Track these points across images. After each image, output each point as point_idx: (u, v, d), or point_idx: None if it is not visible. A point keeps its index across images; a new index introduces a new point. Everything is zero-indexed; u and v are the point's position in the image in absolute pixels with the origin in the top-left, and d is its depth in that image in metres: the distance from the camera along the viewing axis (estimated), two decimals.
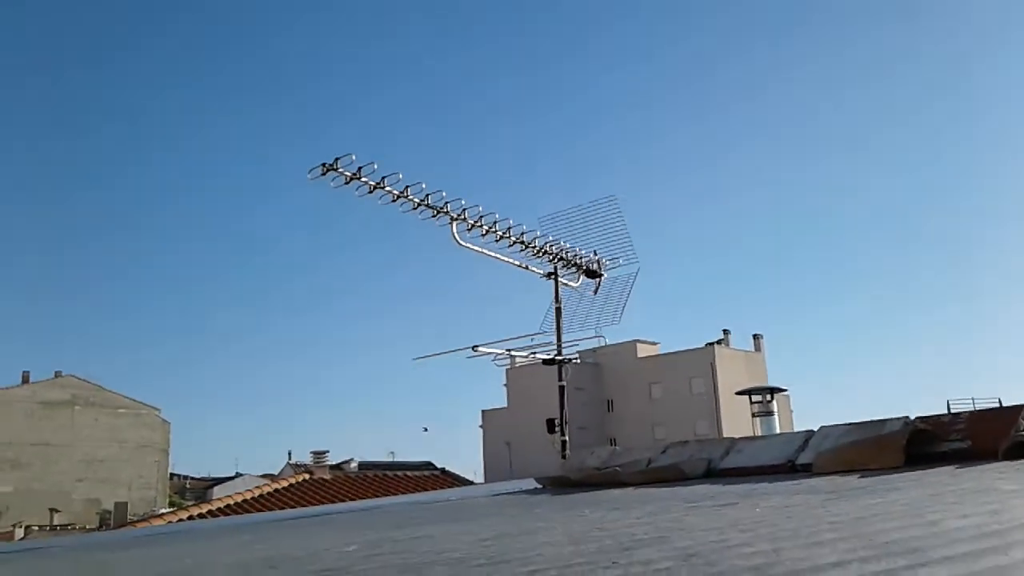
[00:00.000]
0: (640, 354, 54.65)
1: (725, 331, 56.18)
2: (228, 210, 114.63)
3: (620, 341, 46.73)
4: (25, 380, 54.55)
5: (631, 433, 49.03)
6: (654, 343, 56.55)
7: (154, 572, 3.62)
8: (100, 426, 54.21)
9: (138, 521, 25.55)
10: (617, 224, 10.73)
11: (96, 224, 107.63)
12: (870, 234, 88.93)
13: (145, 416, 56.65)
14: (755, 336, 57.51)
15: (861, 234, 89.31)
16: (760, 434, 17.57)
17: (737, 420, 40.61)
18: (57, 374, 55.19)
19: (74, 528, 40.41)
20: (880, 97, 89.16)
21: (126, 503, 41.21)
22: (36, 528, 40.44)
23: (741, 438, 7.05)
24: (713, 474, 6.24)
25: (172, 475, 64.89)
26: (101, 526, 38.14)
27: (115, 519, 37.26)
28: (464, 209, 9.34)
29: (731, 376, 49.14)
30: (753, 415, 22.28)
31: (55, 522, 44.56)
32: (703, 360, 52.36)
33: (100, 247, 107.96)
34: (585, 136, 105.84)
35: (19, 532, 38.57)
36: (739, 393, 26.07)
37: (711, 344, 53.84)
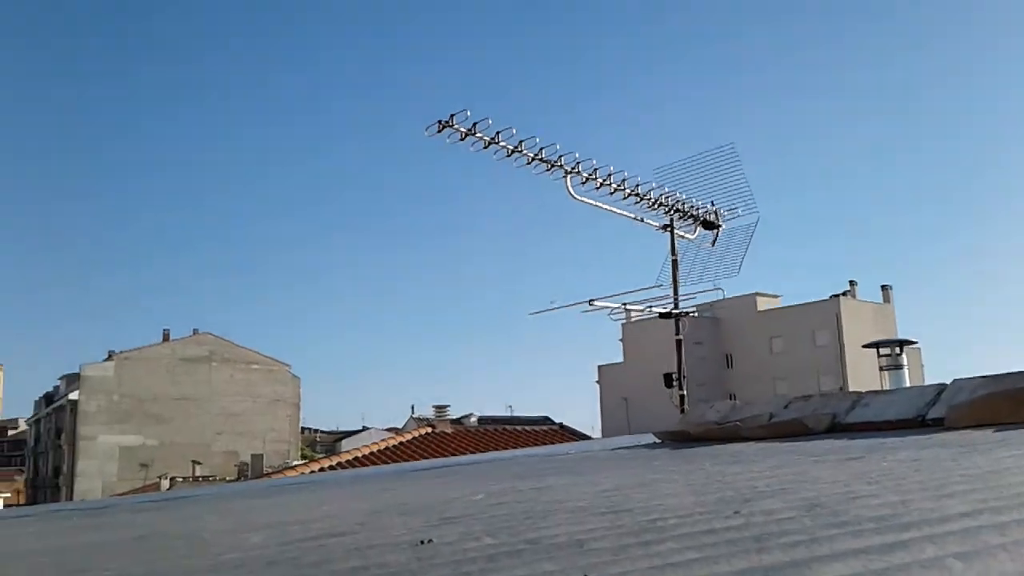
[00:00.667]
0: (760, 307, 53.39)
1: (852, 282, 54.19)
2: (347, 173, 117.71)
3: (739, 294, 45.79)
4: (166, 338, 58.01)
5: (751, 388, 48.16)
6: (775, 296, 55.14)
7: (294, 518, 3.85)
8: (235, 382, 57.21)
9: (273, 472, 26.93)
10: (735, 173, 10.48)
11: (224, 184, 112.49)
12: (1014, 175, 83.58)
13: (277, 372, 59.40)
14: (884, 287, 55.27)
15: (1003, 175, 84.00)
16: (889, 388, 16.99)
17: (864, 374, 39.26)
18: (195, 332, 58.43)
19: (214, 479, 43.01)
20: None
21: (262, 455, 43.51)
22: (180, 479, 43.25)
23: (868, 392, 6.85)
24: (838, 429, 6.10)
25: (303, 429, 67.97)
26: (239, 477, 40.44)
27: (252, 470, 39.42)
28: (578, 162, 9.31)
29: (858, 329, 47.49)
30: (881, 369, 21.47)
31: (196, 473, 47.54)
32: (827, 312, 50.76)
33: (232, 207, 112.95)
34: (703, 87, 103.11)
35: (164, 483, 41.36)
36: (866, 346, 25.15)
37: (836, 296, 52.07)
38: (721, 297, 11.17)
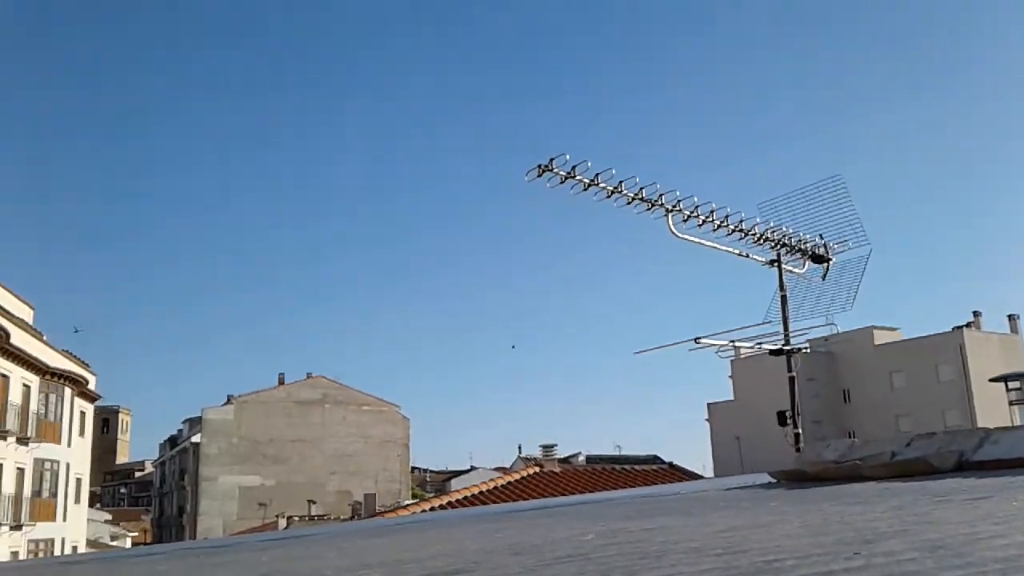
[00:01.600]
0: (877, 340, 51.37)
1: (975, 313, 51.65)
2: (448, 213, 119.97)
3: (854, 328, 44.27)
4: (281, 382, 60.04)
5: (870, 425, 46.23)
6: (893, 328, 52.98)
7: (409, 556, 3.94)
8: (347, 423, 58.55)
9: (386, 511, 27.32)
10: (844, 205, 10.24)
11: (341, 244, 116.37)
12: None
13: (387, 413, 60.51)
14: (1011, 317, 52.46)
15: None
16: (1019, 423, 16.05)
17: (992, 409, 37.16)
18: (308, 375, 60.25)
19: (329, 518, 43.95)
20: None
21: (374, 494, 44.24)
22: (296, 518, 44.37)
23: (997, 428, 6.52)
24: (965, 467, 5.82)
25: (413, 468, 68.84)
26: (353, 516, 41.19)
27: (365, 509, 40.10)
28: (679, 200, 9.27)
29: (984, 362, 45.09)
30: (1010, 403, 20.35)
31: (312, 512, 48.67)
32: (951, 345, 48.43)
33: (352, 262, 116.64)
34: (812, 121, 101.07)
35: (282, 522, 42.51)
36: (993, 380, 23.90)
37: (959, 327, 49.65)
38: (835, 332, 10.87)
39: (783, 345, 9.90)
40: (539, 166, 8.58)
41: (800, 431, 9.64)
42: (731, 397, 51.78)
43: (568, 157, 8.60)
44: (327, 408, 58.42)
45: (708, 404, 54.97)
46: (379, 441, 59.14)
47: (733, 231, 9.71)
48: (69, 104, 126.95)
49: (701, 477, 26.79)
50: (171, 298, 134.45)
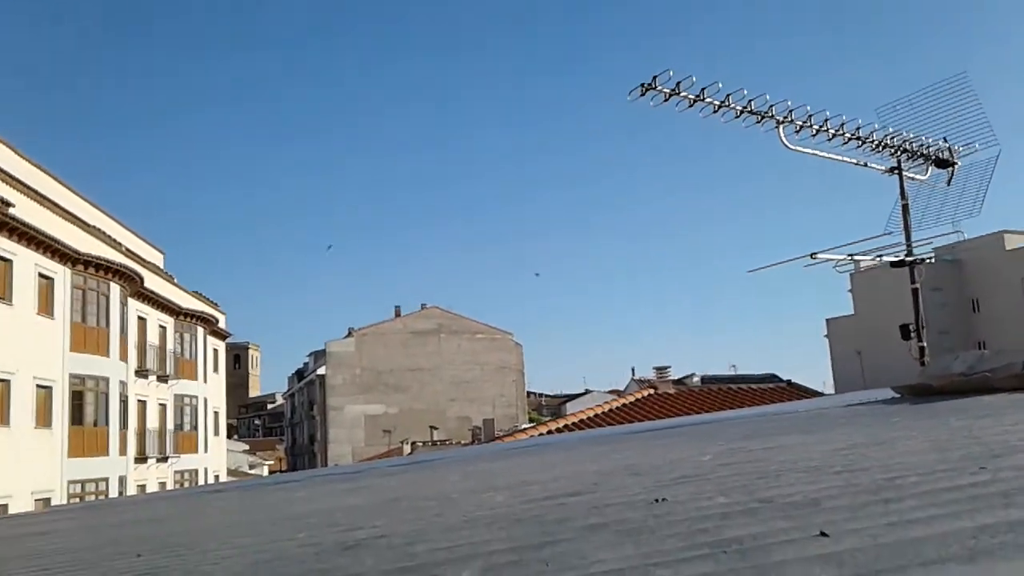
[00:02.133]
0: (1009, 245, 48.56)
1: None
2: (540, 139, 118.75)
3: (983, 234, 42.00)
4: (397, 314, 61.77)
5: (1002, 335, 44.12)
6: None
7: (531, 479, 4.07)
8: (463, 351, 59.93)
9: (504, 436, 28.03)
10: (970, 105, 9.61)
11: (443, 166, 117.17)
12: None
13: (500, 340, 61.58)
14: None
15: None
16: None
17: None
18: (423, 306, 61.75)
19: (450, 443, 45.44)
20: None
21: (492, 419, 45.39)
22: (420, 444, 46.07)
23: None
24: None
25: (528, 393, 70.12)
26: (473, 440, 42.47)
27: (484, 434, 41.26)
28: (791, 111, 8.91)
29: None
30: None
31: (434, 438, 50.43)
32: None
33: (453, 193, 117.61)
34: (935, 15, 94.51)
35: (406, 448, 44.23)
36: None
37: None
38: (962, 239, 10.40)
39: (905, 256, 9.51)
40: (642, 84, 8.37)
41: (925, 344, 9.32)
42: (851, 312, 50.23)
43: (672, 73, 8.37)
44: (443, 337, 59.86)
45: (827, 320, 53.49)
46: (494, 367, 60.37)
47: (849, 139, 9.30)
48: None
49: (821, 395, 26.31)
50: (292, 240, 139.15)
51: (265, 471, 61.68)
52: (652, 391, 26.03)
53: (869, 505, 1.89)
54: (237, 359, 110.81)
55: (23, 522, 7.83)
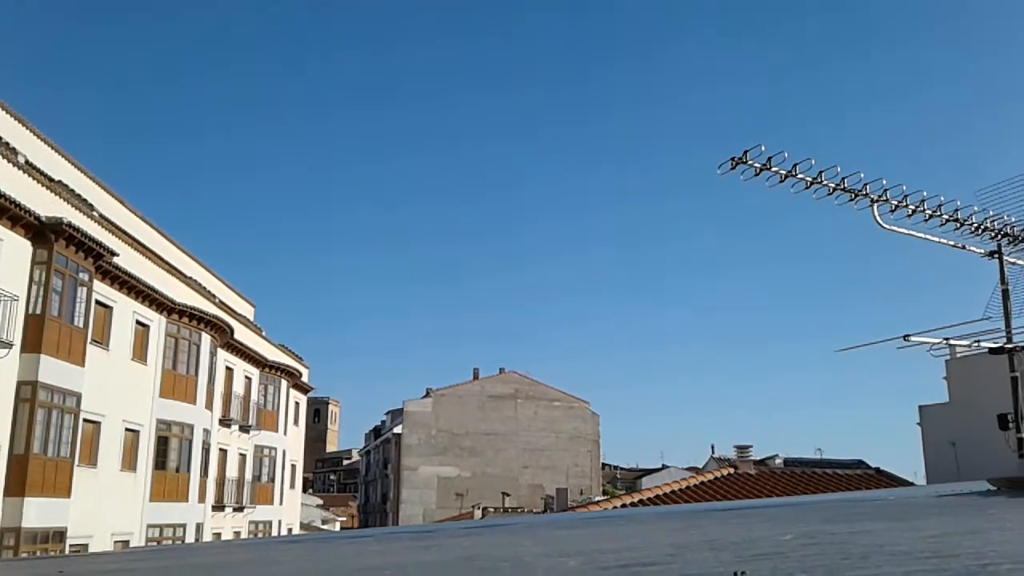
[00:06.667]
0: None
1: None
2: (634, 210, 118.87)
3: None
4: (475, 376, 61.93)
5: None
6: None
7: (605, 547, 4.01)
8: (539, 418, 59.52)
9: (577, 506, 27.59)
10: None
11: (519, 256, 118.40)
12: None
13: (577, 408, 60.98)
14: None
15: None
16: None
17: None
18: (501, 370, 61.78)
19: (522, 510, 44.90)
20: None
21: (566, 489, 44.71)
22: (491, 509, 45.65)
23: None
24: None
25: (603, 465, 68.95)
26: (545, 509, 41.85)
27: (557, 503, 40.62)
28: (886, 189, 8.75)
29: None
30: None
31: (506, 504, 49.90)
32: None
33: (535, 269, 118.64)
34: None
35: (477, 512, 43.88)
36: None
37: None
38: None
39: (1005, 343, 9.14)
40: (732, 159, 8.36)
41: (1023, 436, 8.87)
42: (945, 399, 48.26)
43: (764, 148, 8.35)
44: (519, 403, 59.63)
45: (920, 407, 51.42)
46: (570, 436, 59.71)
47: (947, 221, 9.05)
48: None
49: (912, 484, 25.16)
50: (377, 303, 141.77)
51: (337, 527, 61.94)
52: (732, 470, 25.36)
53: None
54: (317, 413, 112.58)
55: (105, 560, 8.05)
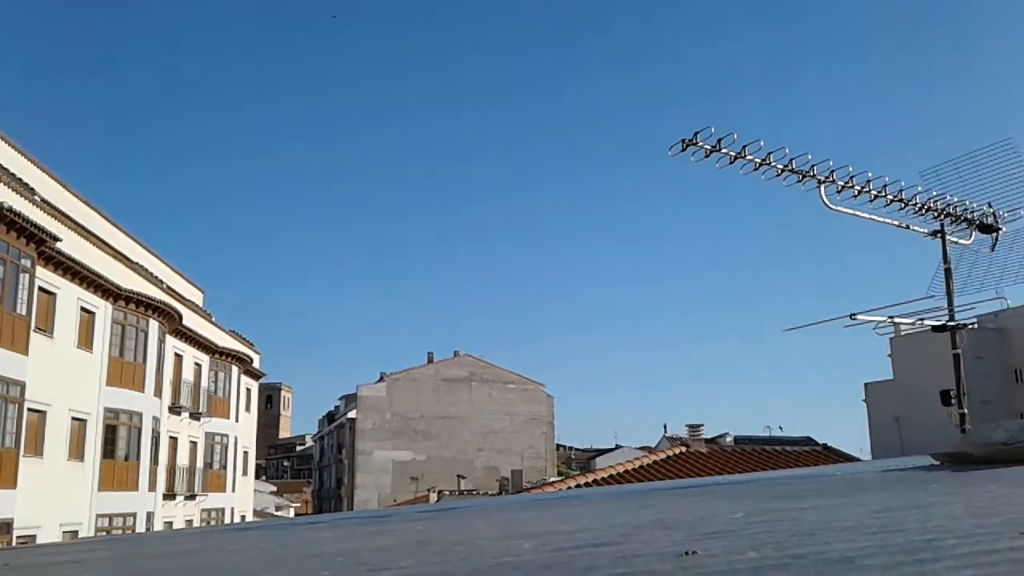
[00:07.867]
0: None
1: None
2: (586, 197, 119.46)
3: None
4: (430, 360, 61.80)
5: None
6: None
7: (559, 528, 4.03)
8: (493, 400, 59.66)
9: (532, 487, 27.75)
10: (1016, 170, 9.53)
11: (477, 234, 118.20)
12: None
13: (531, 391, 61.24)
14: None
15: None
16: None
17: None
18: (455, 354, 61.73)
19: (477, 493, 45.04)
20: None
21: (521, 471, 44.96)
22: (446, 492, 45.73)
23: None
24: None
25: (557, 446, 69.44)
26: (500, 491, 42.05)
27: (512, 485, 40.87)
28: (832, 171, 8.89)
29: None
30: None
31: (461, 487, 50.03)
32: None
33: (492, 252, 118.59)
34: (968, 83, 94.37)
35: (433, 496, 43.93)
36: None
37: None
38: (1005, 307, 10.20)
39: (947, 321, 9.37)
40: (683, 140, 8.42)
41: (966, 411, 9.12)
42: (889, 376, 49.33)
43: (713, 130, 8.41)
44: (474, 385, 59.70)
45: (865, 384, 52.55)
46: (524, 418, 59.97)
47: (892, 201, 9.24)
48: None
49: (857, 460, 25.77)
50: (331, 284, 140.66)
51: (291, 513, 61.50)
52: (684, 449, 25.70)
53: (904, 565, 1.85)
54: (269, 399, 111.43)
55: (54, 551, 7.89)
